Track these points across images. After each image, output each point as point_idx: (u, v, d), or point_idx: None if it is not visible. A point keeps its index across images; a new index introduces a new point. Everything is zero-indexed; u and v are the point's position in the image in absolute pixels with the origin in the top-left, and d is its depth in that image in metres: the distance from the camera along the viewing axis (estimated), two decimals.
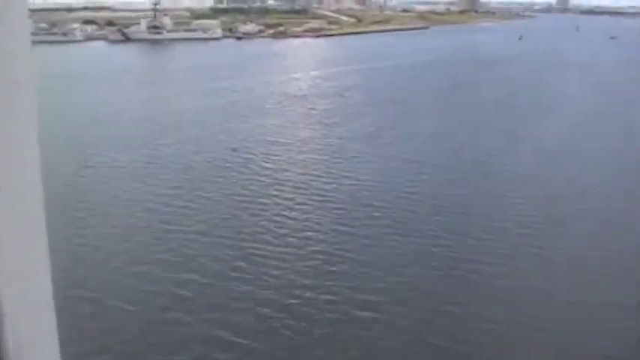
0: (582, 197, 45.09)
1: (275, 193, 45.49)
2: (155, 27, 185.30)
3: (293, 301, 29.46)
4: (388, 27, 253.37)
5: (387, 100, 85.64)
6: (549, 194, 45.65)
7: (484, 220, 40.51)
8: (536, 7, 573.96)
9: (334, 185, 47.66)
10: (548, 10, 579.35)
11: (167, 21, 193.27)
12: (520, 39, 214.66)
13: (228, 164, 53.01)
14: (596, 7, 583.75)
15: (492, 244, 36.23)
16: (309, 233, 38.10)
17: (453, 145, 60.94)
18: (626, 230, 38.89)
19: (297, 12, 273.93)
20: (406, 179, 49.00)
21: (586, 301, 29.57)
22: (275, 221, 39.74)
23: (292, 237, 37.31)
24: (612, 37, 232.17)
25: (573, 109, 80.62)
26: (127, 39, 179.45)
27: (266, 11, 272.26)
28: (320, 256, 34.59)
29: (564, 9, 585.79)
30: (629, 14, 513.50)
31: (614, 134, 66.15)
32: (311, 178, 49.41)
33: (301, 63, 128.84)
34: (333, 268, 33.20)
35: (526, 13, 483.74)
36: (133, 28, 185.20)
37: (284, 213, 41.24)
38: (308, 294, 30.11)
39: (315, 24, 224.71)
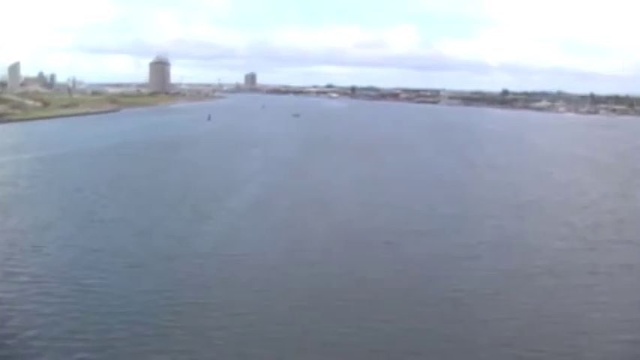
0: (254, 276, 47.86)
1: None
2: None
3: None
4: (77, 110, 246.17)
5: (63, 188, 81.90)
6: (226, 274, 47.46)
7: (163, 306, 40.11)
8: (225, 88, 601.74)
9: (5, 283, 43.64)
10: (237, 90, 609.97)
11: None
12: (209, 119, 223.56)
13: None
14: (281, 86, 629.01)
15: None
16: None
17: (135, 229, 60.30)
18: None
19: None
20: (84, 270, 46.64)
21: None
22: None
23: None
24: (295, 115, 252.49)
25: (253, 186, 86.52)
26: None
27: None
28: None
29: (251, 89, 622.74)
30: (313, 93, 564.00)
31: (285, 207, 72.56)
32: None
33: None
34: None
35: (216, 94, 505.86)
36: None
37: None
38: None
39: None
